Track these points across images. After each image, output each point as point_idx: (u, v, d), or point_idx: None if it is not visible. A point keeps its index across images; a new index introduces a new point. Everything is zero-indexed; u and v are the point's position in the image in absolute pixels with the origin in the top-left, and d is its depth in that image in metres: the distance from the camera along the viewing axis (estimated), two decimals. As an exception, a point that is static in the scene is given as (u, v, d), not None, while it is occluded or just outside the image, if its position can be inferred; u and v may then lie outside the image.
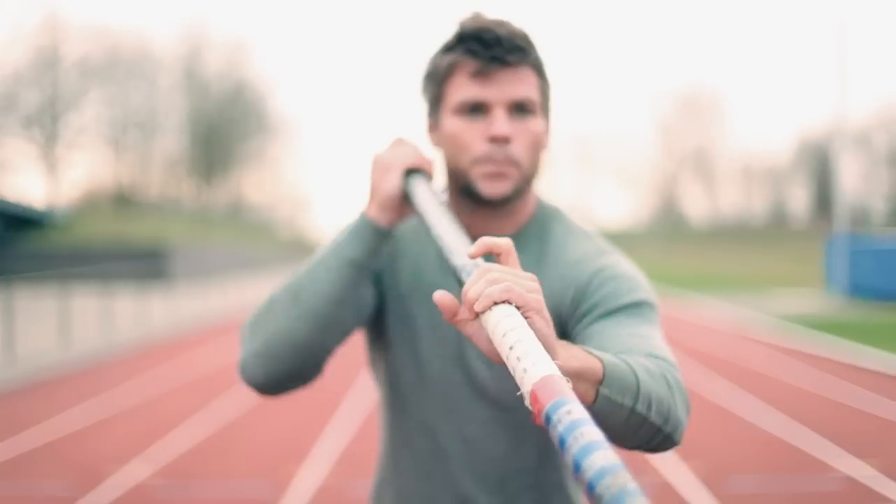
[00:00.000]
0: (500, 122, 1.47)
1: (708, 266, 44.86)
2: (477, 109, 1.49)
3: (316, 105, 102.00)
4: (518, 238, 1.56)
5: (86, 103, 45.38)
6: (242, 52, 57.90)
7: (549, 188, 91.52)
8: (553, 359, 0.97)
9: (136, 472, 6.11)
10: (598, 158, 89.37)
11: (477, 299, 1.01)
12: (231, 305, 21.78)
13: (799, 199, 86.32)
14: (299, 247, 59.21)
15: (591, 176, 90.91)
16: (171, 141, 53.87)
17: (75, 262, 28.18)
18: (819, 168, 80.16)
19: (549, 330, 1.03)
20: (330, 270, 1.51)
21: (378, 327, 1.65)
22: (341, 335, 1.56)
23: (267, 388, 1.57)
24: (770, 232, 79.59)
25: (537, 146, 1.51)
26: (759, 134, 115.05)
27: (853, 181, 72.48)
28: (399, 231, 1.64)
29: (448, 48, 1.52)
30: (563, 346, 1.13)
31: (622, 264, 1.53)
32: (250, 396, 9.04)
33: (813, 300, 20.80)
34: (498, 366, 1.48)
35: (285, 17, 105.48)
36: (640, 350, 1.31)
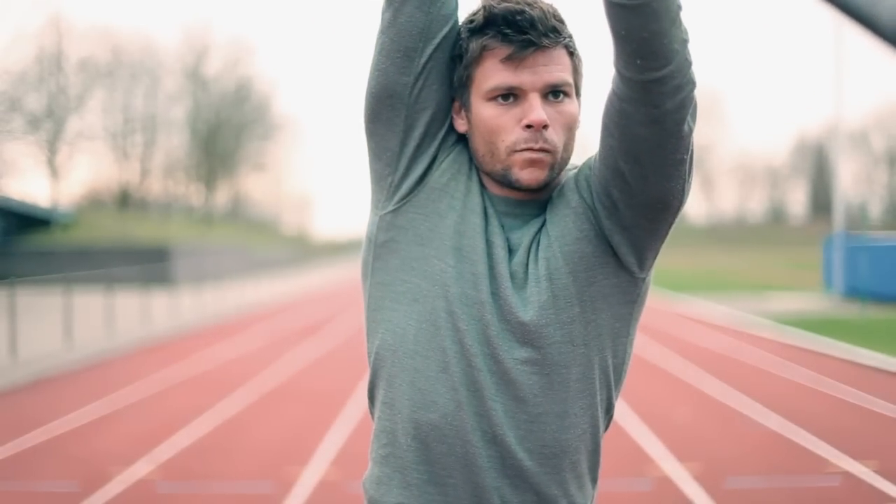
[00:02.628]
0: (537, 109, 1.42)
1: (706, 265, 44.86)
2: (511, 95, 1.44)
3: (318, 105, 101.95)
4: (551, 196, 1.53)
5: (90, 104, 45.45)
6: (245, 53, 57.98)
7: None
8: None
9: (140, 470, 6.17)
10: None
11: None
12: (234, 305, 21.82)
13: (797, 199, 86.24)
14: (302, 246, 59.23)
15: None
16: (175, 141, 53.91)
17: (79, 261, 28.26)
18: (817, 168, 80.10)
19: None
20: None
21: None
22: None
23: None
24: (768, 232, 79.53)
25: (572, 129, 1.48)
26: (757, 134, 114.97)
27: (851, 181, 72.42)
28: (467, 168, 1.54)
29: (477, 30, 1.46)
30: None
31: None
32: (255, 396, 9.10)
33: (811, 300, 20.84)
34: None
35: (288, 19, 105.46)
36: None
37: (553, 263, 1.46)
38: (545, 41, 1.42)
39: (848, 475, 5.83)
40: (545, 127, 1.43)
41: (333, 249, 67.46)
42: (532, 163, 1.43)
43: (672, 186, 1.45)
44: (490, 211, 1.51)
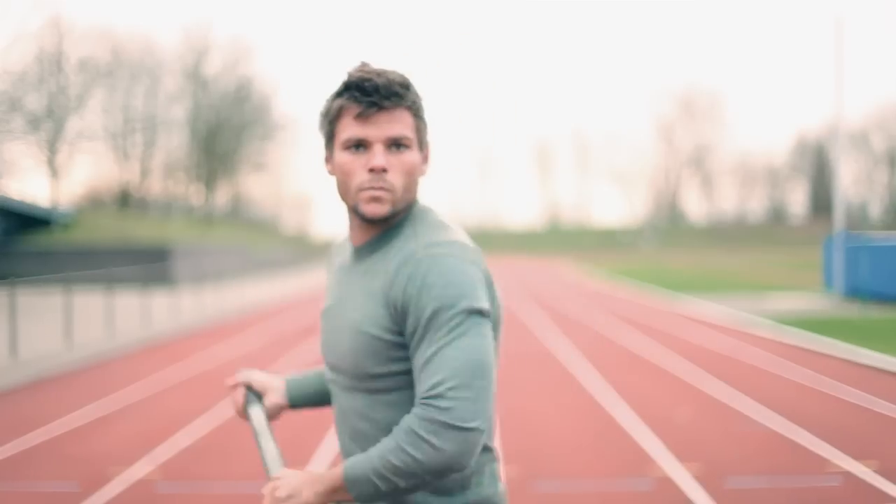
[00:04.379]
0: (378, 156, 1.77)
1: (706, 265, 44.87)
2: (360, 145, 1.79)
3: (318, 105, 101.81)
4: (373, 242, 1.85)
5: (90, 104, 45.45)
6: (245, 53, 57.93)
7: (549, 188, 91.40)
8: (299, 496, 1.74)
9: (140, 470, 6.17)
10: (597, 158, 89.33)
11: None
12: (234, 305, 21.83)
13: (797, 199, 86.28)
14: (302, 246, 59.24)
15: (590, 175, 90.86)
16: (175, 141, 53.92)
17: (79, 261, 28.26)
18: (817, 168, 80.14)
19: None
20: None
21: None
22: None
23: None
24: (768, 232, 79.55)
25: (411, 175, 1.81)
26: (757, 134, 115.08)
27: (851, 181, 72.41)
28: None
29: (338, 94, 1.82)
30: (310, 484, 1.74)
31: (430, 265, 1.73)
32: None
33: (811, 300, 20.84)
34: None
35: (288, 19, 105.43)
36: (421, 395, 1.69)
37: None
38: (386, 103, 1.78)
39: (848, 475, 5.82)
40: (384, 171, 1.78)
41: (333, 249, 67.27)
42: (373, 199, 1.79)
43: None
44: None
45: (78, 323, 14.25)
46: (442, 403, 1.65)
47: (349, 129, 1.79)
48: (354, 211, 1.83)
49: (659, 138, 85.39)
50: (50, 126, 41.30)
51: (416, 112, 1.83)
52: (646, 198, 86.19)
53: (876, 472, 5.85)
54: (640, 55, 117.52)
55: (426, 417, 1.65)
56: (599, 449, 6.66)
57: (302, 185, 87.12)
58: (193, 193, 56.81)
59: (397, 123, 1.79)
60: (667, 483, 5.74)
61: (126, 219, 42.28)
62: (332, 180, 1.88)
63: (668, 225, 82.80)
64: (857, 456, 6.23)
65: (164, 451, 6.73)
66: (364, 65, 1.84)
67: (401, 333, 1.74)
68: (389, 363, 1.76)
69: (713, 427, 7.47)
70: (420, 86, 1.86)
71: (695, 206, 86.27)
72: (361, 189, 1.79)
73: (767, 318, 16.20)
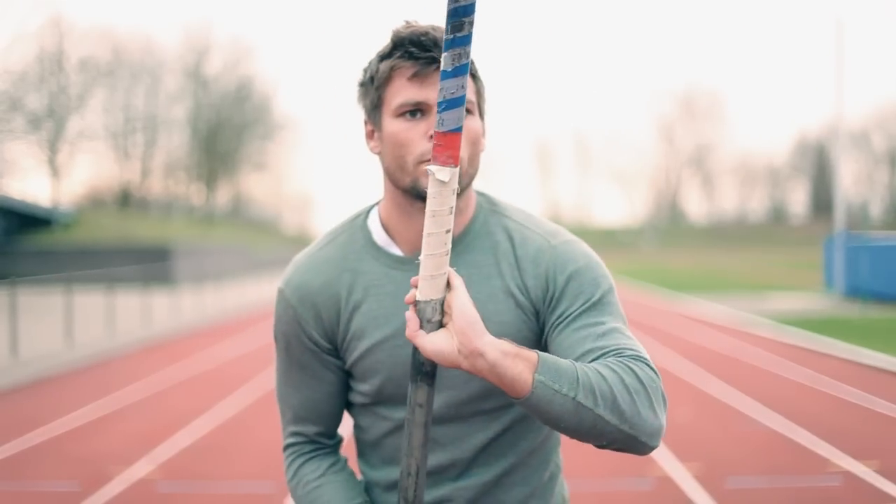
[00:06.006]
0: None
1: (706, 265, 44.87)
2: (417, 110, 1.53)
3: (318, 105, 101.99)
4: (465, 237, 1.61)
5: (90, 104, 45.48)
6: (246, 53, 57.98)
7: (549, 188, 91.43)
8: (482, 337, 1.32)
9: (140, 470, 6.17)
10: (597, 158, 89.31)
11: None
12: (234, 305, 21.83)
13: (797, 199, 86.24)
14: (303, 246, 59.20)
15: (590, 175, 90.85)
16: (176, 141, 53.94)
17: (80, 261, 28.28)
18: (817, 168, 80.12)
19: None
20: None
21: None
22: None
23: None
24: (768, 231, 79.51)
25: (476, 144, 1.55)
26: (757, 134, 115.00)
27: (852, 181, 72.42)
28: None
29: (385, 55, 1.55)
30: (493, 338, 1.34)
31: (575, 251, 1.60)
32: (255, 396, 9.11)
33: (811, 299, 20.84)
34: None
35: (288, 19, 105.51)
36: (610, 349, 1.46)
37: None
38: None
39: (849, 475, 5.82)
40: None
41: (334, 249, 67.36)
42: None
43: None
44: None
45: (78, 322, 14.26)
46: (656, 378, 1.45)
47: (403, 92, 1.53)
48: (412, 191, 1.55)
49: (659, 138, 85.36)
50: (51, 126, 41.34)
51: (475, 74, 1.58)
52: (646, 197, 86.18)
53: (876, 471, 5.85)
54: (640, 55, 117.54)
55: (653, 380, 1.43)
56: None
57: (302, 184, 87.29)
58: (194, 193, 56.85)
59: None
60: (667, 483, 5.74)
61: (127, 218, 42.30)
62: (376, 159, 1.62)
63: (669, 225, 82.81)
64: (858, 456, 6.23)
65: (165, 451, 6.73)
66: (410, 22, 1.58)
67: (536, 319, 1.58)
68: None
69: (713, 427, 7.47)
70: None
71: (695, 206, 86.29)
72: (422, 161, 1.52)
73: (768, 318, 16.20)
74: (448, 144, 1.33)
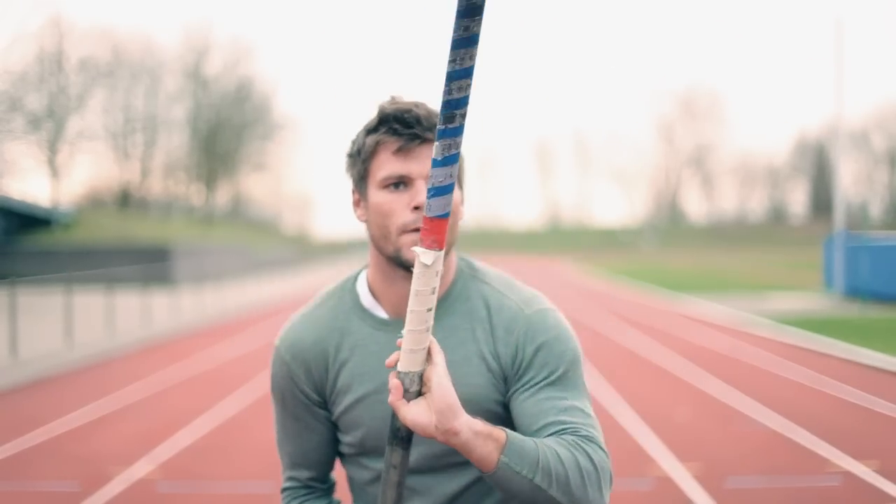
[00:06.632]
0: (422, 192, 1.59)
1: (706, 265, 44.87)
2: (400, 183, 1.63)
3: (318, 105, 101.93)
4: (444, 301, 1.69)
5: (90, 104, 45.48)
6: (245, 53, 57.96)
7: (549, 188, 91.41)
8: (458, 417, 1.40)
9: (140, 470, 6.17)
10: (597, 157, 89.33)
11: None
12: (234, 305, 21.83)
13: (797, 199, 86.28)
14: (302, 246, 59.24)
15: (590, 175, 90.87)
16: (175, 141, 53.94)
17: (79, 261, 28.28)
18: (817, 168, 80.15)
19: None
20: None
21: None
22: None
23: None
24: (768, 231, 79.54)
25: (455, 214, 1.63)
26: (757, 134, 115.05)
27: (852, 181, 72.42)
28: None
29: (371, 129, 1.65)
30: (467, 417, 1.43)
31: (547, 321, 1.68)
32: (255, 396, 9.11)
33: (811, 299, 20.84)
34: None
35: (288, 19, 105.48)
36: (568, 426, 1.56)
37: None
38: (429, 135, 1.61)
39: (849, 475, 5.82)
40: None
41: (333, 249, 67.42)
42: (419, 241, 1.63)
43: None
44: None
45: (78, 322, 14.26)
46: (607, 460, 1.56)
47: (387, 165, 1.62)
48: (395, 259, 1.64)
49: (659, 138, 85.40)
50: (50, 126, 41.34)
51: None
52: (646, 197, 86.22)
53: (876, 471, 5.85)
54: (640, 55, 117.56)
55: (604, 461, 1.55)
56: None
57: (302, 184, 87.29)
58: (194, 193, 56.86)
59: None
60: (667, 482, 5.75)
61: (126, 218, 42.30)
62: (363, 227, 1.71)
63: (669, 225, 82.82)
64: (857, 456, 6.23)
65: (165, 451, 6.74)
66: (395, 98, 1.67)
67: (504, 383, 1.66)
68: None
69: (713, 427, 7.47)
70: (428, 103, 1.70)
71: (695, 206, 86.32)
72: (405, 231, 1.60)
73: (767, 318, 16.20)
74: (434, 229, 1.39)
